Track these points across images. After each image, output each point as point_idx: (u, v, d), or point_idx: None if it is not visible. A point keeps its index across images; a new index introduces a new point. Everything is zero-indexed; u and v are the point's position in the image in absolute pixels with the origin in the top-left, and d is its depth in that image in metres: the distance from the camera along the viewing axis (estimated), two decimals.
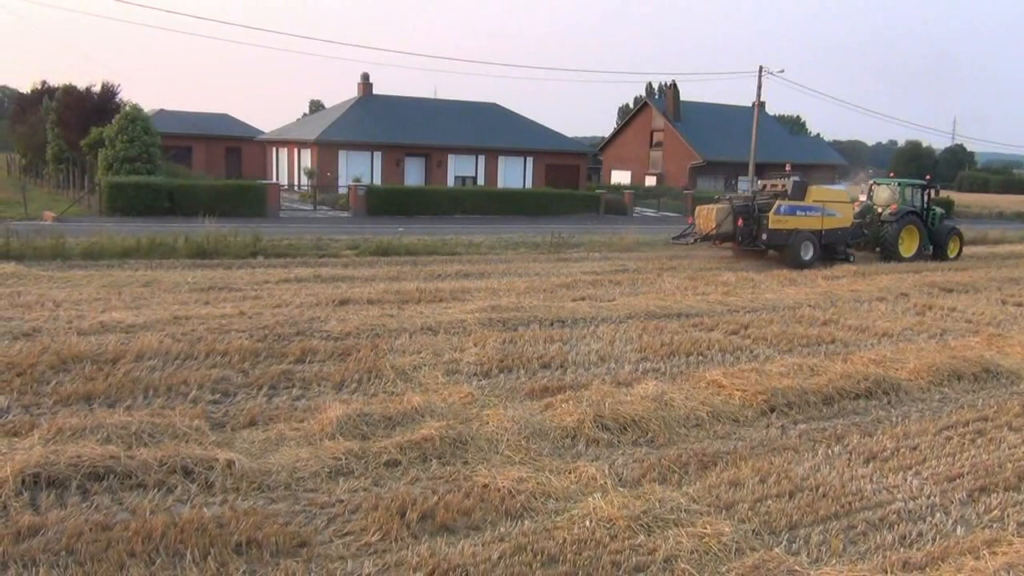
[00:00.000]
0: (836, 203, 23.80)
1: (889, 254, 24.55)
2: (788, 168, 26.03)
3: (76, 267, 16.80)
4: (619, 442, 7.92)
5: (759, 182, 26.33)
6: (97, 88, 38.90)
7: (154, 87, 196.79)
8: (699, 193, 48.00)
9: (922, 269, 22.65)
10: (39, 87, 49.79)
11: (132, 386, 8.74)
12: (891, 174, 28.81)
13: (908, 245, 25.04)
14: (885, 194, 26.19)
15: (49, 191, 40.58)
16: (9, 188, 40.22)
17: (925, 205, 26.01)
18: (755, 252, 23.21)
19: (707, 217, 22.84)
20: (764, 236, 22.26)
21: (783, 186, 23.66)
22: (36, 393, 8.45)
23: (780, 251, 22.72)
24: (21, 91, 63.98)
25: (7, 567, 5.17)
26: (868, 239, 24.82)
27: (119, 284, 14.83)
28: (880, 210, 25.22)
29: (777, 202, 22.58)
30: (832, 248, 23.62)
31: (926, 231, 25.58)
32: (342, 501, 6.37)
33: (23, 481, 6.20)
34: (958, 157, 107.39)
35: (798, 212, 22.74)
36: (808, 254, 22.69)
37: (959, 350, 11.83)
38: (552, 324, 12.88)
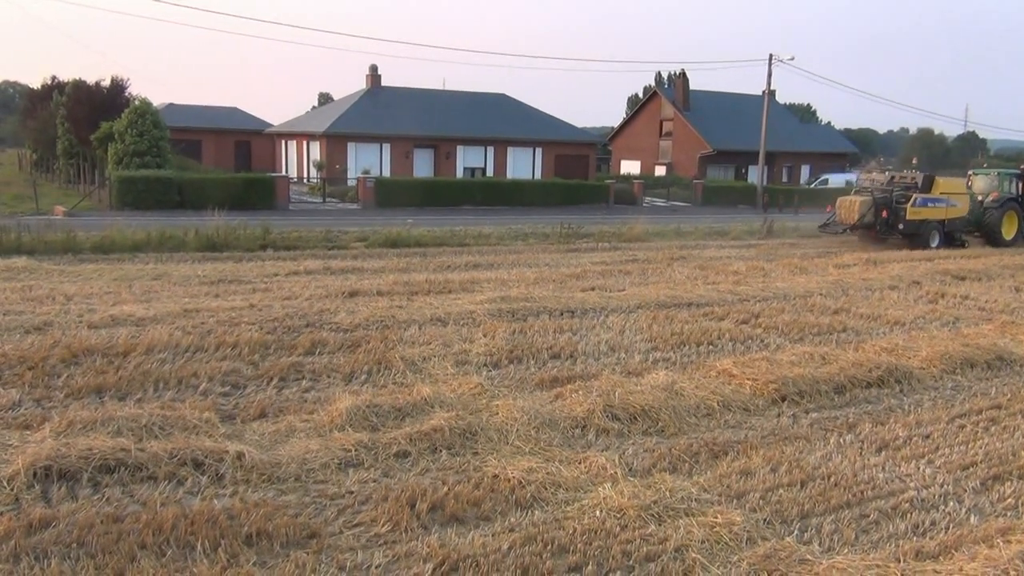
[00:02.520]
0: (957, 194, 26.17)
1: (993, 238, 26.76)
2: (915, 161, 29.21)
3: (87, 261, 16.86)
4: (629, 432, 7.90)
5: (887, 174, 28.29)
6: (106, 83, 38.99)
7: (163, 81, 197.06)
8: (709, 182, 47.93)
9: (935, 257, 22.53)
10: (49, 82, 49.85)
11: (143, 379, 8.77)
12: (984, 164, 31.82)
13: (1008, 229, 27.19)
14: (983, 183, 28.31)
15: (60, 186, 40.78)
16: (20, 183, 40.46)
17: (1020, 192, 27.95)
18: (878, 239, 25.35)
19: (849, 208, 25.40)
20: (901, 226, 24.83)
21: (912, 179, 26.13)
22: (47, 386, 8.48)
23: (911, 239, 24.98)
24: (31, 87, 64.16)
25: (19, 559, 5.19)
26: (971, 225, 26.86)
27: (129, 278, 14.88)
28: (980, 198, 27.24)
29: (914, 195, 25.04)
30: (951, 235, 25.94)
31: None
32: (352, 492, 6.37)
33: (35, 474, 6.22)
34: (971, 144, 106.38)
35: (929, 204, 25.26)
36: (935, 242, 25.34)
37: (972, 338, 11.73)
38: (562, 314, 12.85)
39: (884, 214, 24.89)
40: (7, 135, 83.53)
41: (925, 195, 25.25)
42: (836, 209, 26.12)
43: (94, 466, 6.38)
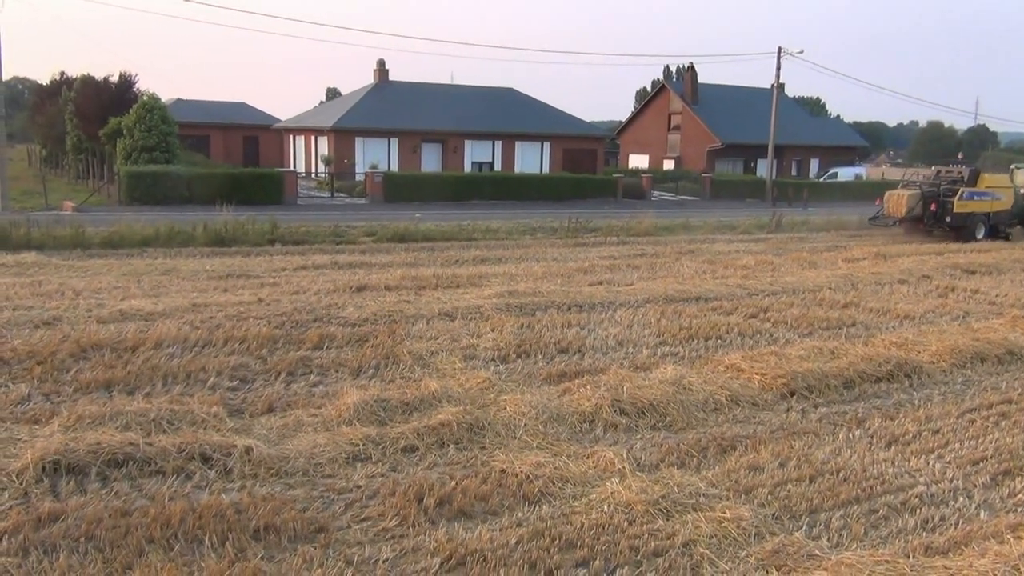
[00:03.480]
0: (1001, 188, 27.01)
1: None
2: (960, 156, 29.64)
3: (96, 256, 16.91)
4: (637, 427, 7.88)
5: (933, 168, 29.01)
6: (115, 78, 39.06)
7: (171, 76, 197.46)
8: (717, 176, 47.76)
9: (945, 251, 22.41)
10: (58, 78, 49.98)
11: (151, 373, 8.79)
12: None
13: None
14: (1023, 177, 29.16)
15: (69, 181, 40.95)
16: (29, 179, 40.64)
17: None
18: (926, 231, 26.18)
19: (898, 202, 26.15)
20: (949, 219, 25.66)
21: (959, 173, 27.03)
22: (56, 381, 8.51)
23: (957, 231, 25.77)
24: (40, 82, 64.29)
25: (28, 553, 5.21)
26: (1014, 217, 27.59)
27: (138, 272, 14.92)
28: (1022, 191, 27.99)
29: (961, 189, 25.86)
30: (996, 227, 26.80)
31: None
32: (360, 487, 6.38)
33: (43, 468, 6.25)
34: (981, 137, 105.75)
35: (975, 197, 26.13)
36: (980, 234, 26.18)
37: (982, 332, 11.66)
38: (570, 309, 12.83)
39: (933, 207, 25.66)
40: (16, 131, 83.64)
41: (971, 189, 25.97)
42: (884, 203, 26.90)
43: (102, 460, 6.40)
